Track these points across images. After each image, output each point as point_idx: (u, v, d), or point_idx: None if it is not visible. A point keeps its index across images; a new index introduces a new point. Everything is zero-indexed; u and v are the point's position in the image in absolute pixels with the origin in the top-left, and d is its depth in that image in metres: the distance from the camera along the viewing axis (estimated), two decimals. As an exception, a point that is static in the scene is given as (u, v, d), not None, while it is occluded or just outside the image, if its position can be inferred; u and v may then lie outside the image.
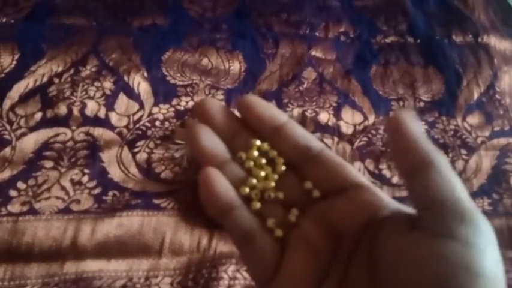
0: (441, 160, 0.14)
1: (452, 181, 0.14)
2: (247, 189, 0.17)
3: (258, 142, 0.18)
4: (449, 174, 0.14)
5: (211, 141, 0.17)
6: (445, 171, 0.14)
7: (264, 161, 0.18)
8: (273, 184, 0.18)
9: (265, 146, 0.18)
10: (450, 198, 0.14)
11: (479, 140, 0.42)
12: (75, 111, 0.40)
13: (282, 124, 0.18)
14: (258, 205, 0.17)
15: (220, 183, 0.17)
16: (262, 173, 0.18)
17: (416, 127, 0.15)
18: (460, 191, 0.14)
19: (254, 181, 0.18)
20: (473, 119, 0.44)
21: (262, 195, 0.18)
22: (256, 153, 0.18)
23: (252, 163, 0.18)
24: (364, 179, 0.18)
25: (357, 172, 0.18)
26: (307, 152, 0.18)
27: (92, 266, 0.32)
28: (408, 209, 0.16)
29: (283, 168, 0.18)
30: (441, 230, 0.14)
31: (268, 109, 0.18)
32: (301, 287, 0.16)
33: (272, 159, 0.18)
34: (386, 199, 0.17)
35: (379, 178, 0.39)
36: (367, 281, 0.15)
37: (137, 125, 0.40)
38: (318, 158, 0.18)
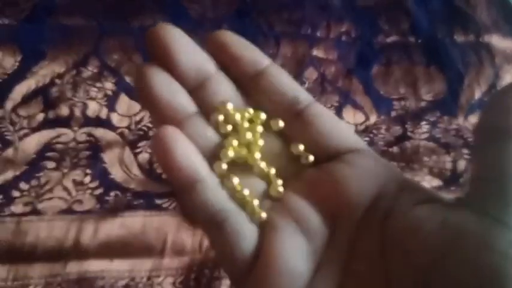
0: None
1: None
2: (223, 165, 0.13)
3: (230, 105, 0.14)
4: None
5: (168, 88, 0.13)
6: None
7: (246, 124, 0.14)
8: (258, 155, 0.14)
9: (244, 112, 0.14)
10: None
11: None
12: (77, 112, 0.40)
13: (265, 68, 0.14)
14: (235, 181, 0.13)
15: (181, 146, 0.12)
16: (245, 136, 0.14)
17: None
18: None
19: (232, 152, 0.14)
20: (475, 118, 0.44)
21: (243, 167, 0.14)
22: (238, 117, 0.14)
23: (229, 128, 0.14)
24: (363, 142, 0.14)
25: (356, 135, 0.15)
26: (294, 106, 0.14)
27: (94, 266, 0.32)
28: (419, 184, 0.14)
29: (260, 128, 0.14)
30: (496, 215, 0.11)
31: (247, 49, 0.14)
32: (288, 279, 0.12)
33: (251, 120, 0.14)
34: (393, 167, 0.14)
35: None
36: (379, 272, 0.12)
37: (139, 126, 0.40)
38: (307, 114, 0.14)
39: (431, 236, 0.11)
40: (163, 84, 0.13)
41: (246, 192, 0.13)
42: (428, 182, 0.39)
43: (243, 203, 0.13)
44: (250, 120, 0.14)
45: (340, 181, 0.13)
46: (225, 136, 0.14)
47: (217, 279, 0.32)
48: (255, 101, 0.14)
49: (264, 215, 0.13)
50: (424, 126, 0.43)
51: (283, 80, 0.14)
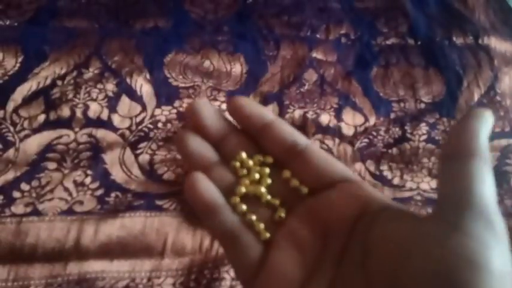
0: (485, 157, 0.14)
1: (483, 179, 0.14)
2: (237, 199, 0.18)
3: (244, 155, 0.19)
4: (485, 171, 0.14)
5: (198, 145, 0.18)
6: (483, 168, 0.14)
7: (257, 168, 0.19)
8: (263, 190, 0.18)
9: (256, 158, 0.19)
10: (473, 193, 0.13)
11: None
12: (78, 113, 0.40)
13: (270, 121, 0.18)
14: (243, 207, 0.18)
15: (204, 185, 0.17)
16: (255, 176, 0.18)
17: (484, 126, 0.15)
18: (486, 189, 0.14)
19: (244, 188, 0.18)
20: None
21: (254, 199, 0.18)
22: (251, 163, 0.19)
23: (244, 171, 0.19)
24: (352, 173, 0.18)
25: (345, 167, 0.18)
26: (294, 148, 0.18)
27: (94, 266, 0.32)
28: (399, 205, 0.16)
29: (267, 170, 0.18)
30: (452, 222, 0.13)
31: (257, 108, 0.19)
32: (286, 285, 0.16)
33: (261, 163, 0.19)
34: (377, 193, 0.17)
35: (380, 179, 0.39)
36: (361, 277, 0.15)
37: (140, 127, 0.40)
38: (305, 154, 0.18)
39: (400, 242, 0.14)
40: (195, 143, 0.18)
41: (253, 217, 0.18)
42: (428, 184, 0.39)
43: (252, 226, 0.18)
44: (262, 164, 0.19)
45: (331, 205, 0.17)
46: (240, 177, 0.18)
47: (216, 279, 0.32)
48: (264, 147, 0.19)
49: (267, 235, 0.17)
50: (423, 128, 0.43)
51: (284, 129, 0.18)
